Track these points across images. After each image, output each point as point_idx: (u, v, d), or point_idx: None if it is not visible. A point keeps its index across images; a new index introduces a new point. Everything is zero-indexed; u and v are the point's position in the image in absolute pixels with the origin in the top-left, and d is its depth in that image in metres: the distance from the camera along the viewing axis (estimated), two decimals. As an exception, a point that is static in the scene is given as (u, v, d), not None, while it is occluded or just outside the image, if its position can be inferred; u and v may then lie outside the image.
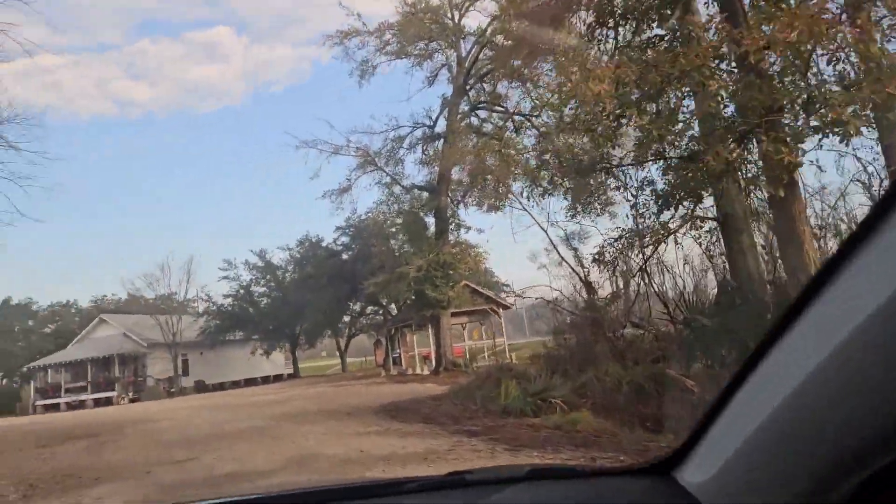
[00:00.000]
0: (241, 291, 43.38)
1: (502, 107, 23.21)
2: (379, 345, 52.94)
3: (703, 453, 0.99)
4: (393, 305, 37.48)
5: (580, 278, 12.12)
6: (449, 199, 24.41)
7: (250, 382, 48.06)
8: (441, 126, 25.02)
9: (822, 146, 7.96)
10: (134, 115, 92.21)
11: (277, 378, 50.80)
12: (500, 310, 27.86)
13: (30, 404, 42.23)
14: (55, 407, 40.95)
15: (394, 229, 26.24)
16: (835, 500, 0.71)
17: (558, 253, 13.18)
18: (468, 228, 24.29)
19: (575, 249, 12.87)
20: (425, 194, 25.02)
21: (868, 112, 6.87)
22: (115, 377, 40.59)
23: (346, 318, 40.20)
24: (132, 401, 38.92)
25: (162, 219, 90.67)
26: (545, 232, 12.93)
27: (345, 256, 35.72)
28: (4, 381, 46.64)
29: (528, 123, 23.06)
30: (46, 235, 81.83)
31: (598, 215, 12.59)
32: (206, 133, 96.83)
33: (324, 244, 35.75)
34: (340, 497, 1.39)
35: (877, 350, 0.60)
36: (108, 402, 39.44)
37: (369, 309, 38.84)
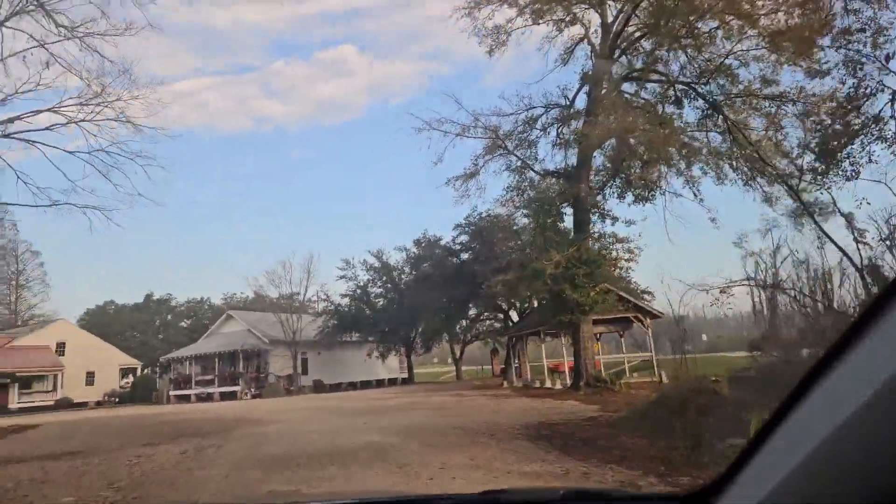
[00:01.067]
0: (358, 291, 42.61)
1: (661, 73, 19.50)
2: (496, 353, 50.31)
3: (742, 485, 0.98)
4: (513, 313, 34.54)
5: (856, 267, 8.37)
6: (589, 187, 21.03)
7: (365, 385, 47.44)
8: (580, 103, 21.80)
9: None
10: (266, 129, 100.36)
11: (392, 382, 49.78)
12: (647, 319, 23.89)
13: (164, 394, 44.37)
14: (186, 398, 42.57)
15: (526, 219, 23.23)
16: None
17: (815, 223, 9.44)
18: (614, 220, 20.67)
19: (850, 222, 9.10)
20: (558, 183, 21.89)
21: None
22: (238, 372, 41.32)
23: (463, 323, 37.81)
24: (254, 396, 39.31)
25: (286, 219, 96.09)
26: (800, 203, 9.18)
27: (464, 256, 33.37)
28: (146, 370, 49.71)
29: (693, 93, 19.20)
30: (188, 238, 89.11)
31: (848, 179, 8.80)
32: (331, 144, 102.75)
33: (442, 243, 33.68)
34: None
35: None
36: (232, 395, 40.21)
37: (486, 315, 36.12)
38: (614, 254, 20.31)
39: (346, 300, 42.83)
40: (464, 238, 32.43)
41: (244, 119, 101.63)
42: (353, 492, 4.72)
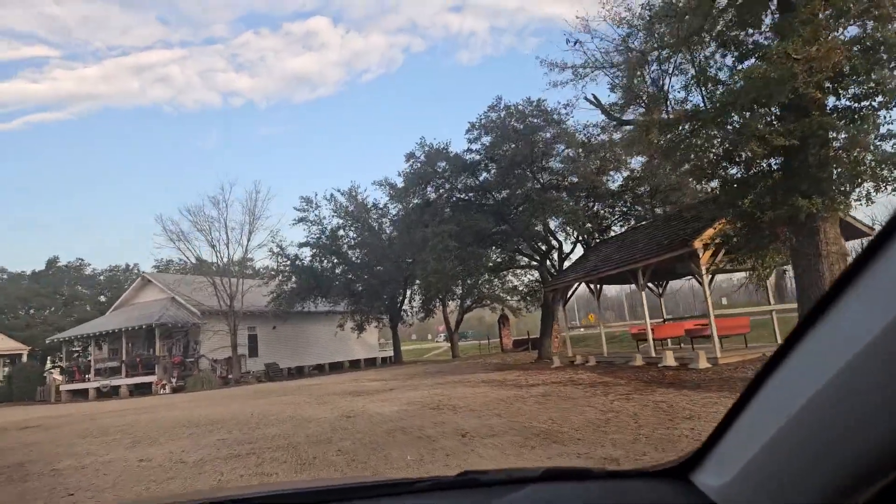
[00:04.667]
0: (324, 239, 30.81)
1: None
2: (505, 322, 39.38)
3: (720, 457, 0.96)
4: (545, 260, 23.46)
5: None
6: None
7: (336, 367, 36.13)
8: None
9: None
10: (236, 104, 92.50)
11: (370, 362, 38.56)
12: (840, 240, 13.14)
13: (52, 389, 32.10)
14: (83, 393, 30.54)
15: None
16: None
17: None
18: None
19: None
20: None
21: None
22: (155, 356, 29.37)
23: (484, 276, 26.47)
24: (176, 389, 27.58)
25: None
26: None
27: (484, 176, 21.96)
28: (25, 359, 36.90)
29: None
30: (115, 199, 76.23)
31: None
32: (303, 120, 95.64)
33: (451, 153, 22.00)
34: (349, 496, 1.26)
35: (890, 365, 0.60)
36: (147, 388, 28.43)
37: (518, 258, 24.86)
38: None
39: (306, 251, 30.91)
40: (485, 142, 20.93)
41: (211, 93, 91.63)
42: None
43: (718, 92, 8.39)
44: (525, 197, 19.27)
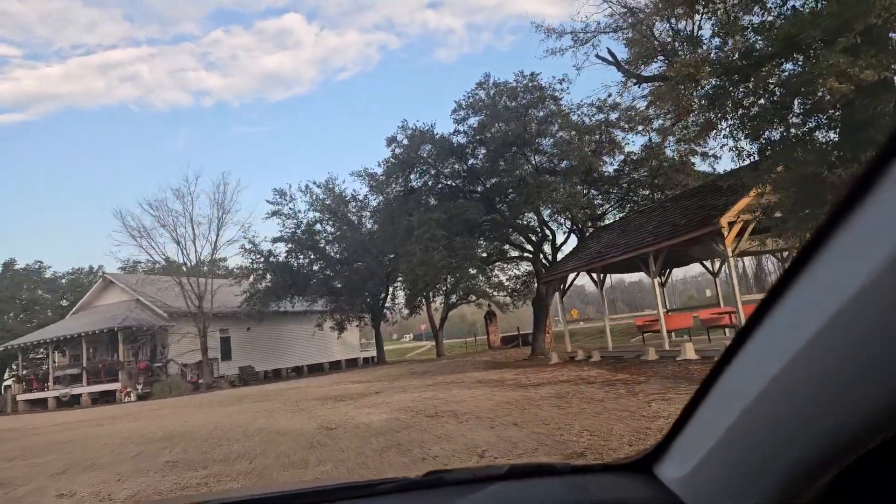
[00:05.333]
0: (300, 233, 29.05)
1: None
2: (492, 318, 38.07)
3: (680, 449, 0.96)
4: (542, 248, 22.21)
5: None
6: None
7: (315, 369, 34.40)
8: None
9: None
10: (207, 104, 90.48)
11: (352, 363, 36.89)
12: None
13: (8, 399, 29.78)
14: (42, 403, 28.34)
15: None
16: (811, 495, 0.71)
17: None
18: None
19: None
20: None
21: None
22: (118, 362, 27.32)
23: (468, 270, 25.04)
24: (142, 396, 25.64)
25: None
26: None
27: (471, 162, 20.51)
28: None
29: None
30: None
31: None
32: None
33: (436, 135, 20.43)
34: (312, 500, 1.25)
35: (851, 343, 0.59)
36: (110, 396, 26.43)
37: (508, 249, 23.51)
38: None
39: (281, 247, 29.12)
40: (472, 122, 19.48)
41: (180, 93, 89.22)
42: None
43: (777, 24, 7.03)
44: (519, 181, 17.86)
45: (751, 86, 7.29)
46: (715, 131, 8.57)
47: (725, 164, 15.17)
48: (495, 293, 29.17)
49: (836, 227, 0.60)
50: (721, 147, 8.38)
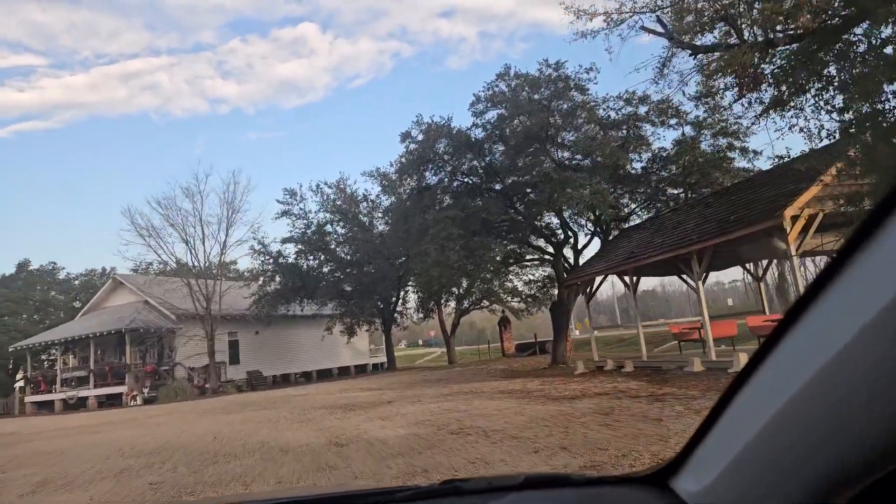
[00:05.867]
0: (310, 234, 28.20)
1: None
2: (507, 325, 36.95)
3: (699, 462, 0.94)
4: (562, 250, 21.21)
5: None
6: None
7: (324, 375, 33.49)
8: None
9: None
10: (223, 111, 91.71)
11: (361, 369, 35.94)
12: None
13: (16, 401, 29.20)
14: (50, 405, 27.70)
15: None
16: None
17: None
18: None
19: None
20: None
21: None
22: (125, 364, 26.60)
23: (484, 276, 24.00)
24: (148, 400, 24.87)
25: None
26: None
27: (489, 158, 19.51)
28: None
29: None
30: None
31: None
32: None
33: (453, 129, 19.46)
34: None
35: (874, 360, 0.58)
36: (117, 399, 25.75)
37: (530, 250, 22.46)
38: None
39: (290, 248, 28.29)
40: (490, 117, 18.48)
41: (197, 100, 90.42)
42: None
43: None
44: (542, 176, 16.83)
45: (843, 47, 6.24)
46: (782, 108, 7.51)
47: (763, 163, 13.96)
48: (510, 298, 28.07)
49: (884, 221, 0.57)
50: (790, 128, 7.31)
